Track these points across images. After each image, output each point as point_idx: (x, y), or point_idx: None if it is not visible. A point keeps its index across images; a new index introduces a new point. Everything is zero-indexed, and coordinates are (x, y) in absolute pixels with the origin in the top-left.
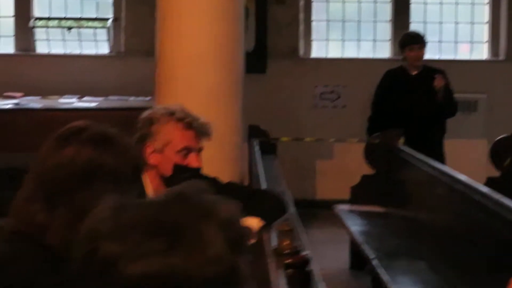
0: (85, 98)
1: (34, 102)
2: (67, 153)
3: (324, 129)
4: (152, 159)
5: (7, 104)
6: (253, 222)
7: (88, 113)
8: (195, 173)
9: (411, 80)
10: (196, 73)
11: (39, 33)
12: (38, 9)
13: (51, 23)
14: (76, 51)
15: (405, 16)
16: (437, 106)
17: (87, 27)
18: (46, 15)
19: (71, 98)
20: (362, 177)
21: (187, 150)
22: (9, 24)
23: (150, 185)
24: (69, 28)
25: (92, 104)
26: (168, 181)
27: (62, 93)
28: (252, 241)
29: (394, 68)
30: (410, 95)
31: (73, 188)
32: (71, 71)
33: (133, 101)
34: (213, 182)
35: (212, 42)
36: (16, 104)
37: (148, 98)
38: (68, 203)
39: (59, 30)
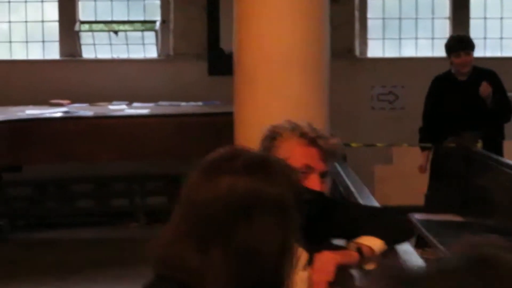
0: (134, 104)
1: (83, 110)
2: (222, 185)
3: (381, 132)
4: None
5: (56, 112)
6: (375, 244)
7: (141, 120)
8: (316, 196)
9: (460, 85)
10: (279, 76)
11: (85, 38)
12: (83, 13)
13: (97, 26)
14: (123, 55)
15: (464, 12)
16: (489, 111)
17: (134, 30)
18: (92, 19)
19: (120, 104)
20: (436, 184)
21: (307, 169)
22: (54, 29)
23: None
24: (116, 32)
25: (145, 111)
26: None
27: (109, 99)
28: (374, 264)
29: (442, 74)
30: (460, 101)
31: (230, 224)
32: (118, 76)
33: (185, 106)
34: (333, 202)
35: (297, 42)
36: (66, 112)
37: (200, 103)
38: (226, 244)
39: (105, 34)
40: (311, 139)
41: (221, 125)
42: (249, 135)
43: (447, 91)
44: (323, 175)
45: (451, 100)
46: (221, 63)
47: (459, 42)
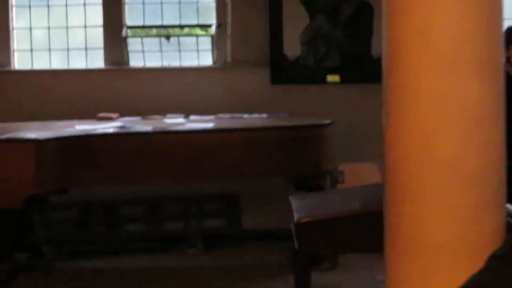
0: (192, 117)
1: (138, 124)
2: None
3: None
4: None
5: (109, 127)
6: None
7: (208, 135)
8: None
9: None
10: (447, 84)
11: (133, 44)
12: (130, 17)
13: (145, 32)
14: (175, 63)
15: None
16: None
17: (187, 35)
18: (140, 23)
19: (177, 117)
20: None
21: None
22: (98, 35)
23: None
24: (167, 37)
25: (209, 125)
26: None
27: (161, 112)
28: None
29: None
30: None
31: None
32: (170, 87)
33: (250, 119)
34: None
35: (469, 42)
36: (121, 127)
37: (265, 115)
38: None
39: (155, 39)
40: None
41: (295, 140)
42: (402, 155)
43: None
44: None
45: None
46: (284, 70)
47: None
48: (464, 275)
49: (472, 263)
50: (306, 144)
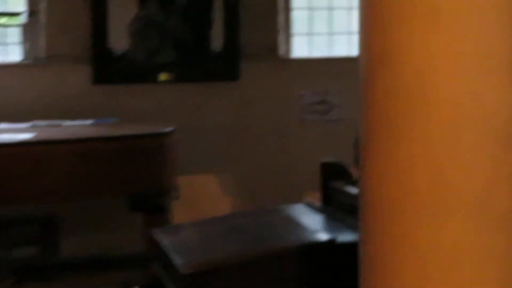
0: (1, 126)
1: None
2: None
3: (314, 149)
4: None
5: None
6: None
7: (26, 148)
8: None
9: None
10: (468, 90)
11: None
12: None
13: None
14: None
15: None
16: None
17: None
18: None
19: None
20: None
21: None
22: None
23: None
24: None
25: (26, 136)
26: None
27: None
28: None
29: None
30: None
31: None
32: None
33: (73, 127)
34: None
35: (501, 31)
36: None
37: (89, 122)
38: None
39: None
40: None
41: (131, 153)
42: (399, 195)
43: None
44: None
45: None
46: (110, 67)
47: None
48: None
49: None
50: (144, 157)
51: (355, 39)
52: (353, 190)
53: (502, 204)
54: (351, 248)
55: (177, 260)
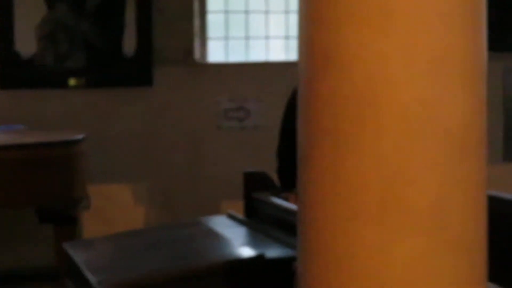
0: None
1: None
2: None
3: (232, 157)
4: None
5: None
6: None
7: None
8: None
9: None
10: (426, 93)
11: None
12: None
13: None
14: None
15: None
16: None
17: None
18: None
19: None
20: None
21: None
22: None
23: None
24: None
25: None
26: None
27: None
28: None
29: None
30: None
31: None
32: None
33: None
34: None
35: (455, 37)
36: None
37: None
38: None
39: None
40: None
41: (40, 162)
42: (346, 208)
43: None
44: None
45: None
46: (16, 72)
47: None
48: None
49: None
50: (53, 166)
51: (272, 44)
52: (278, 201)
53: (454, 222)
54: (282, 264)
55: (92, 279)
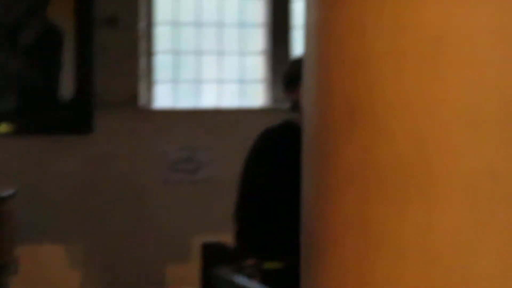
0: None
1: None
2: None
3: (181, 216)
4: None
5: None
6: None
7: None
8: None
9: None
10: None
11: None
12: None
13: None
14: None
15: (283, 47)
16: None
17: None
18: None
19: None
20: None
21: None
22: None
23: None
24: None
25: None
26: None
27: None
28: None
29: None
30: None
31: None
32: None
33: None
34: None
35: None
36: None
37: None
38: None
39: None
40: None
41: None
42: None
43: None
44: None
45: None
46: None
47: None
48: None
49: None
50: None
51: (226, 88)
52: (242, 280)
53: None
54: None
55: None
